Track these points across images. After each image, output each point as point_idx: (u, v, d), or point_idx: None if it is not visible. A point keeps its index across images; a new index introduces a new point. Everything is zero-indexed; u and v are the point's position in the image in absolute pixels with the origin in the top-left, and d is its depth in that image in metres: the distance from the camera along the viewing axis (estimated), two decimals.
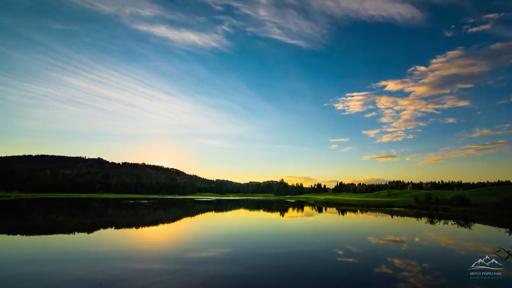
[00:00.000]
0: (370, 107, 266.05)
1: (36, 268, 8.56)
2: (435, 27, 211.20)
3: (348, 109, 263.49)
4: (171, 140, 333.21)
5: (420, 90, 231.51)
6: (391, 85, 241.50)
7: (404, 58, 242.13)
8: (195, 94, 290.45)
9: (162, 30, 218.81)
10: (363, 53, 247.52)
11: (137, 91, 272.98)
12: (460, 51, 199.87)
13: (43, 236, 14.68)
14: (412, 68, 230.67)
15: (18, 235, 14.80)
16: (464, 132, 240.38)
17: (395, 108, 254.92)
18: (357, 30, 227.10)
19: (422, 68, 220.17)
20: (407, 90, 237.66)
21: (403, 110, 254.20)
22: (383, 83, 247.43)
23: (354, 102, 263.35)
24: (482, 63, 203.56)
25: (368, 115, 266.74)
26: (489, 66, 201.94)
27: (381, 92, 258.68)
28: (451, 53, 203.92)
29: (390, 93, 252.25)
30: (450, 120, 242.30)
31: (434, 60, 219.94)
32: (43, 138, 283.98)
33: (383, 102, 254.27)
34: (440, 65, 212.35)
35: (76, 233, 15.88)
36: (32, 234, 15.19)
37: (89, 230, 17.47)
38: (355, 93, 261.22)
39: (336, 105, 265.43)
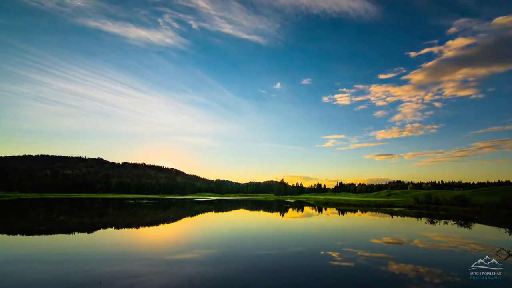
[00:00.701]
0: (361, 99, 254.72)
1: (36, 268, 8.57)
2: (414, 11, 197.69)
3: (336, 103, 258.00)
4: (154, 139, 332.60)
5: (416, 79, 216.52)
6: (382, 77, 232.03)
7: (390, 48, 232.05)
8: (167, 91, 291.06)
9: (109, 27, 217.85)
10: (338, 48, 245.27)
11: (111, 89, 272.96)
12: (456, 28, 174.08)
13: (43, 236, 14.67)
14: (404, 56, 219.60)
15: (18, 235, 14.80)
16: (467, 129, 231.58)
17: (388, 99, 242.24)
18: (314, 25, 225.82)
19: (413, 53, 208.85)
20: (402, 79, 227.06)
21: (399, 104, 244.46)
22: (372, 74, 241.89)
23: (341, 95, 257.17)
24: (484, 43, 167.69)
25: (358, 110, 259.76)
26: (493, 46, 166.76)
27: (373, 83, 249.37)
28: (446, 32, 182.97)
29: (383, 85, 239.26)
30: (450, 114, 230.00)
31: (426, 42, 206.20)
32: (43, 138, 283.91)
33: (375, 95, 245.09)
34: (435, 49, 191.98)
35: (76, 233, 15.89)
36: (32, 234, 15.17)
37: (89, 230, 17.47)
38: (341, 89, 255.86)
39: (324, 100, 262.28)
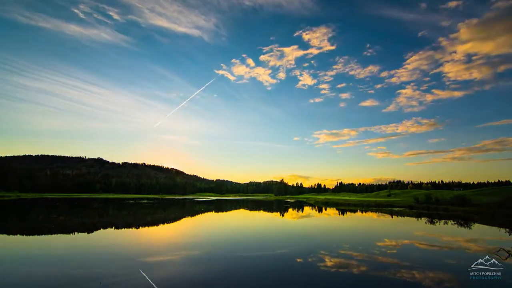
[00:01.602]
0: (344, 86, 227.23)
1: (36, 268, 8.57)
2: None
3: (320, 100, 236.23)
4: (128, 136, 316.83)
5: (409, 60, 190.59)
6: (366, 54, 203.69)
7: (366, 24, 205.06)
8: (129, 86, 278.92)
9: (39, 22, 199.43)
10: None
11: (75, 87, 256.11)
12: None
13: (43, 236, 14.67)
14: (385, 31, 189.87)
15: (18, 235, 14.79)
16: (470, 123, 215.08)
17: (377, 87, 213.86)
18: (254, 18, 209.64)
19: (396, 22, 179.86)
20: (392, 59, 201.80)
21: (393, 92, 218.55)
22: (356, 50, 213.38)
23: (312, 78, 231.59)
24: (494, 7, 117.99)
25: (343, 99, 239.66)
26: (506, 12, 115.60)
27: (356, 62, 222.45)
28: None
29: (369, 67, 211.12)
30: (452, 104, 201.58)
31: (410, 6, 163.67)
32: (43, 138, 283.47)
33: (359, 83, 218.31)
34: (425, 18, 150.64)
35: (76, 233, 15.88)
36: (32, 234, 15.17)
37: (89, 230, 17.45)
38: (315, 71, 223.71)
39: (297, 87, 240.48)
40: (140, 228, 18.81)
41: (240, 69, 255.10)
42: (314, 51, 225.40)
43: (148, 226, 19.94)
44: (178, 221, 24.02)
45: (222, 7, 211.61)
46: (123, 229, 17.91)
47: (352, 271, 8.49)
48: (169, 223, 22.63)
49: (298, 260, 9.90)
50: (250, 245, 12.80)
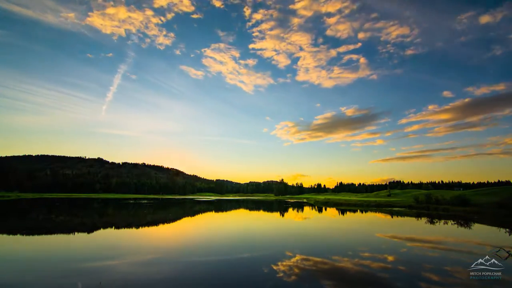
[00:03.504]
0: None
1: (35, 268, 8.56)
2: None
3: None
4: (76, 132, 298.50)
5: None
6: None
7: None
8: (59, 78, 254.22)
9: None
10: None
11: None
12: None
13: (43, 236, 14.65)
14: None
15: (18, 235, 14.76)
16: (466, 127, 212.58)
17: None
18: None
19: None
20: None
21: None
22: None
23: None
24: None
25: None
26: None
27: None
28: None
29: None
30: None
31: None
32: (43, 138, 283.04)
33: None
34: None
35: (76, 233, 15.86)
36: (32, 234, 15.15)
37: (89, 230, 17.43)
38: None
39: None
40: (117, 229, 18.41)
41: (112, 14, 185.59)
42: None
43: (128, 228, 19.21)
44: (164, 223, 23.81)
45: None
46: (99, 230, 17.83)
47: (343, 272, 8.45)
48: (153, 225, 22.36)
49: (270, 265, 8.92)
50: (202, 250, 11.65)
